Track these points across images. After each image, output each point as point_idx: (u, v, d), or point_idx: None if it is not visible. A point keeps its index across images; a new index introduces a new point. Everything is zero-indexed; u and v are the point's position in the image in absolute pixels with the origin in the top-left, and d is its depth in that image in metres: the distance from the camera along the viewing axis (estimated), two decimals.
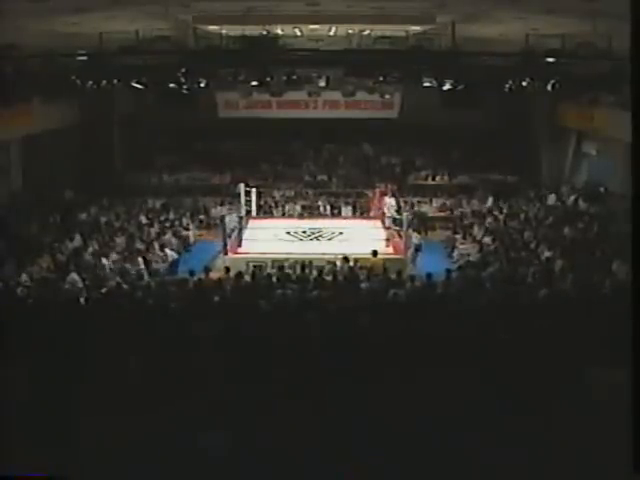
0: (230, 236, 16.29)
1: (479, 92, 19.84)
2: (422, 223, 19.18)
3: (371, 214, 20.21)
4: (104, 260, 13.95)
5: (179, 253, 16.36)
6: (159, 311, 9.69)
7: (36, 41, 15.09)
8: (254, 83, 18.55)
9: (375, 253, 14.14)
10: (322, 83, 19.64)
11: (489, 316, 9.07)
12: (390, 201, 18.83)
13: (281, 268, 12.89)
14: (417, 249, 15.88)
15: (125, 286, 11.73)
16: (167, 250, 15.74)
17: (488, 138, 22.13)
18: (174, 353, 7.34)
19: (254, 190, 19.41)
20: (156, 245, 16.05)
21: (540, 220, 17.89)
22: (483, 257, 14.97)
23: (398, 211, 18.35)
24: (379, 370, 6.78)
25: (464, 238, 17.65)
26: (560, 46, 15.43)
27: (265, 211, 20.69)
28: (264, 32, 16.44)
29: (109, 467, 5.35)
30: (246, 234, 17.57)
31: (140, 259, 14.56)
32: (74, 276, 12.57)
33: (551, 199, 20.00)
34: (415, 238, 16.07)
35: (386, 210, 18.56)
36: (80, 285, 12.23)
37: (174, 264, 15.12)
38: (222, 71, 18.61)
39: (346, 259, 13.52)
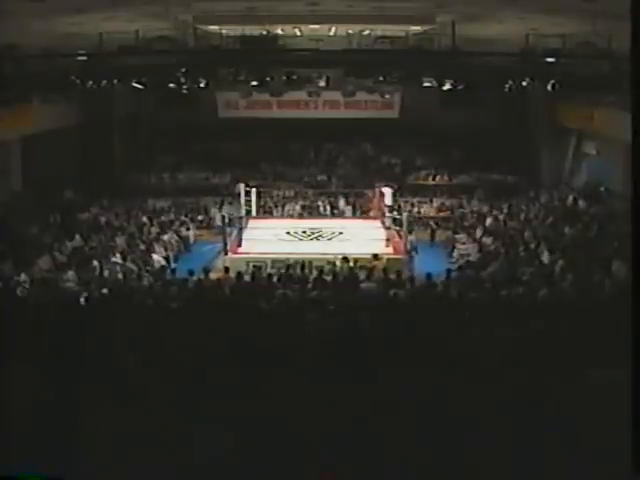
0: (230, 227, 16.29)
1: (479, 92, 19.83)
2: (425, 224, 19.26)
3: (371, 214, 20.21)
4: (95, 262, 13.91)
5: (169, 258, 16.00)
6: (159, 311, 9.70)
7: (36, 41, 15.09)
8: (254, 83, 18.54)
9: (376, 256, 14.15)
10: (322, 83, 19.63)
11: (488, 316, 9.08)
12: (387, 190, 18.86)
13: (285, 268, 12.93)
14: (411, 251, 15.84)
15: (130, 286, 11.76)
16: (154, 256, 15.28)
17: (488, 138, 22.13)
18: (173, 353, 7.34)
19: (254, 190, 19.42)
20: (156, 246, 16.07)
21: (541, 220, 17.88)
22: (483, 257, 14.98)
23: (398, 210, 18.36)
24: (379, 370, 6.78)
25: (456, 233, 17.71)
26: (560, 46, 15.42)
27: (265, 211, 20.69)
28: (264, 32, 16.43)
29: (109, 467, 5.35)
30: (246, 234, 17.56)
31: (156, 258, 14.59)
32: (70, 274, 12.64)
33: (545, 198, 20.02)
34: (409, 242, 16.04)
35: (385, 200, 18.60)
36: (75, 283, 12.25)
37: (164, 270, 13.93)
38: (222, 71, 18.61)
39: (346, 259, 13.53)
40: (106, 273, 13.51)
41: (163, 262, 14.94)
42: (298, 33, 17.12)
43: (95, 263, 13.81)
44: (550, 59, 16.35)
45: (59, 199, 19.56)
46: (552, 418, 5.93)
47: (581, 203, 18.89)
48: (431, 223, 19.70)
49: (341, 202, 21.18)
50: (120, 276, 13.25)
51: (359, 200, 21.29)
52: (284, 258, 14.26)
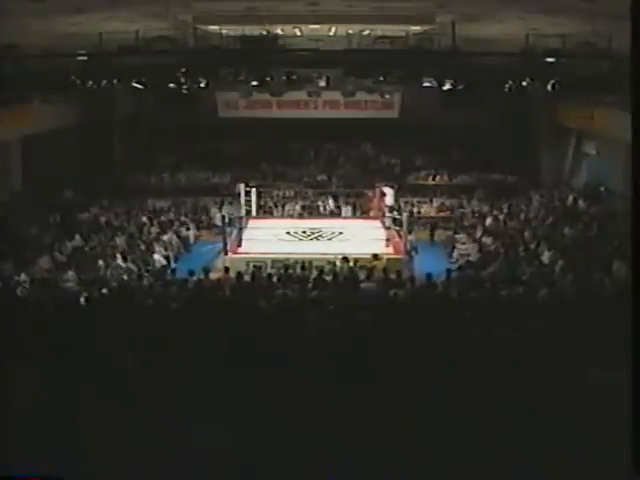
0: (230, 227, 16.32)
1: (479, 92, 19.83)
2: (424, 224, 19.26)
3: (371, 214, 20.21)
4: (100, 262, 13.97)
5: (169, 258, 15.96)
6: (159, 311, 9.70)
7: (36, 41, 15.09)
8: (254, 83, 18.54)
9: (376, 256, 14.15)
10: (322, 83, 19.63)
11: (488, 316, 9.08)
12: (389, 191, 18.89)
13: (285, 268, 12.93)
14: (411, 251, 15.85)
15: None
16: (155, 255, 15.37)
17: (488, 138, 22.12)
18: (173, 353, 7.34)
19: (254, 190, 19.42)
20: (156, 246, 16.07)
21: (541, 220, 17.87)
22: (483, 257, 14.98)
23: (398, 210, 18.36)
24: (379, 370, 6.78)
25: (456, 233, 17.72)
26: (560, 46, 15.42)
27: (265, 211, 20.68)
28: (264, 32, 16.44)
29: (109, 467, 5.35)
30: (246, 234, 17.55)
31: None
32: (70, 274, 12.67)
33: (538, 199, 20.02)
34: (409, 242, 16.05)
35: (387, 200, 18.63)
36: (75, 283, 12.26)
37: (164, 270, 14.12)
38: (222, 71, 18.61)
39: (346, 259, 13.53)
40: (108, 273, 13.54)
41: (164, 262, 14.97)
42: (298, 33, 17.13)
43: (101, 263, 13.86)
44: (550, 59, 16.34)
45: (59, 199, 19.54)
46: (552, 418, 5.93)
47: (581, 203, 18.89)
48: (428, 224, 19.71)
49: (330, 202, 21.12)
50: (125, 277, 13.27)
51: (359, 200, 21.27)
52: (284, 258, 14.25)
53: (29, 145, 19.09)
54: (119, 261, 14.13)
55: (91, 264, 13.92)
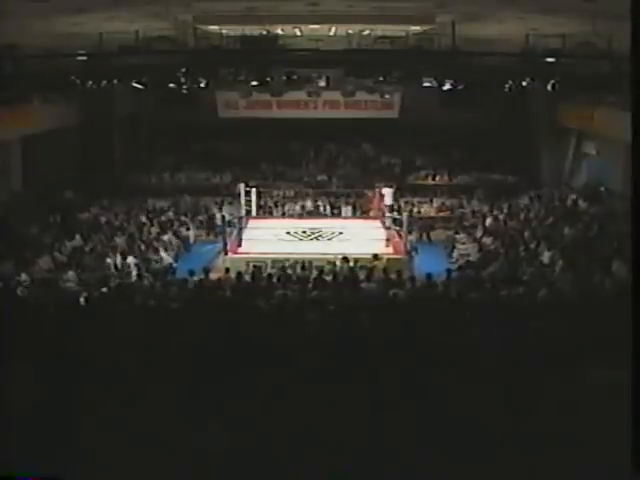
0: (230, 227, 16.34)
1: (479, 92, 19.84)
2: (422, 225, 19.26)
3: (371, 214, 20.20)
4: (108, 260, 14.02)
5: (175, 257, 16.13)
6: (159, 311, 9.70)
7: (36, 41, 15.09)
8: (254, 83, 18.55)
9: (376, 256, 14.15)
10: (322, 83, 19.66)
11: (488, 316, 9.08)
12: (388, 191, 18.90)
13: (283, 268, 12.93)
14: (411, 251, 15.86)
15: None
16: (162, 253, 15.51)
17: (488, 138, 22.12)
18: (173, 353, 7.34)
19: (254, 190, 19.42)
20: (156, 246, 16.08)
21: (541, 220, 17.88)
22: (483, 257, 14.98)
23: (398, 211, 18.36)
24: (379, 370, 6.78)
25: (456, 233, 17.72)
26: (560, 46, 15.43)
27: (265, 211, 20.68)
28: (264, 32, 16.44)
29: (109, 467, 5.35)
30: (246, 234, 17.55)
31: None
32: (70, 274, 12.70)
33: (527, 200, 20.01)
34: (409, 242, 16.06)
35: (386, 200, 18.64)
36: (75, 283, 12.28)
37: (170, 269, 14.56)
38: (222, 71, 18.62)
39: (346, 259, 13.53)
40: (110, 272, 13.57)
41: (170, 260, 15.04)
42: (298, 33, 17.13)
43: (108, 261, 13.94)
44: (550, 59, 16.35)
45: (59, 199, 19.54)
46: (552, 418, 5.93)
47: (581, 203, 18.89)
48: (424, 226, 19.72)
49: (308, 203, 21.04)
50: (133, 275, 13.32)
51: (359, 200, 21.26)
52: (284, 258, 14.25)
53: (29, 145, 19.09)
54: (129, 260, 14.18)
55: (91, 264, 13.93)
